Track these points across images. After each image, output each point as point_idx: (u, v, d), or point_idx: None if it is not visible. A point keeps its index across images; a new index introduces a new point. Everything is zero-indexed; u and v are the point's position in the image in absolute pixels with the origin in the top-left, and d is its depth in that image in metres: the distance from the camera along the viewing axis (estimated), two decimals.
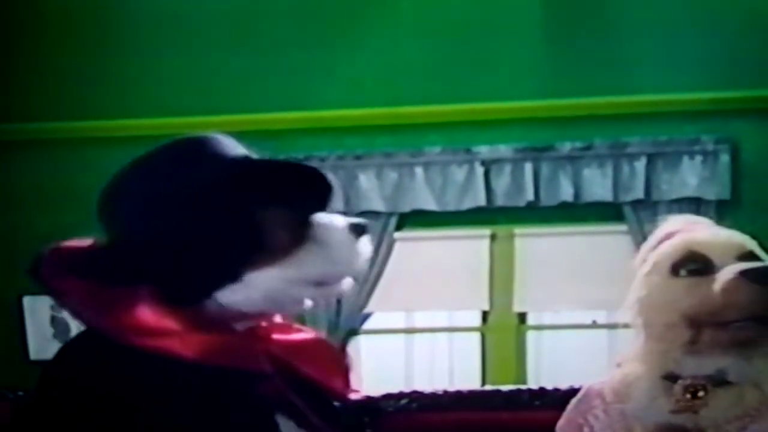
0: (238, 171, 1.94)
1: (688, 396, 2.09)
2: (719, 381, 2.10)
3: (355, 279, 2.03)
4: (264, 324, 1.97)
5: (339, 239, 1.96)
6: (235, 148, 1.99)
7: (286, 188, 1.96)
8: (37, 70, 6.38)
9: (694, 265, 2.14)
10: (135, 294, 1.83)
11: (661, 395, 2.11)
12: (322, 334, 2.13)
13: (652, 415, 2.11)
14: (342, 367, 2.03)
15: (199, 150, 1.96)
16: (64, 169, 6.17)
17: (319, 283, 1.95)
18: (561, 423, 2.28)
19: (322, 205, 2.02)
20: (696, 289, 2.11)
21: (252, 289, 1.89)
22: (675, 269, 2.16)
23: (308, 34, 6.23)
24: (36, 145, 6.24)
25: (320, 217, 1.98)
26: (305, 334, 2.04)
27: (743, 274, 2.07)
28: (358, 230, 1.98)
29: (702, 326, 2.09)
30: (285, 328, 2.01)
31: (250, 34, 6.28)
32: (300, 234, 1.94)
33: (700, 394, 2.08)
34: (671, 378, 2.13)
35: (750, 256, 2.14)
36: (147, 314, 1.81)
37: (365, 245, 2.00)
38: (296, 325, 2.05)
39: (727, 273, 2.09)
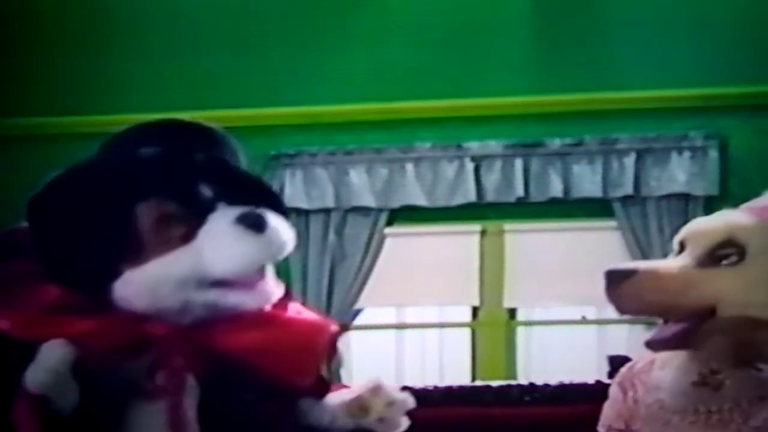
0: (125, 163, 1.91)
1: (709, 371, 2.07)
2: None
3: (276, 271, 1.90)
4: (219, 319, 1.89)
5: (217, 235, 1.86)
6: (147, 139, 1.95)
7: (179, 181, 1.89)
8: (32, 65, 6.38)
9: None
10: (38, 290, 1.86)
11: (690, 368, 2.10)
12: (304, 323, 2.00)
13: (677, 385, 2.11)
14: (308, 360, 1.94)
15: (113, 145, 1.97)
16: (58, 165, 6.16)
17: (212, 284, 1.85)
18: (613, 386, 2.25)
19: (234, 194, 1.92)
20: None
21: (135, 287, 1.84)
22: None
23: (299, 31, 6.24)
24: (30, 141, 6.24)
25: (214, 215, 1.88)
26: (269, 329, 1.93)
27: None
28: (248, 222, 1.87)
29: None
30: (246, 324, 1.91)
31: (241, 30, 6.29)
32: (187, 231, 1.88)
33: (721, 375, 2.06)
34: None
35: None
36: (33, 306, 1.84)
37: (267, 236, 1.87)
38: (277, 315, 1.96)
39: None
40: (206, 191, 1.91)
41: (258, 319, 1.93)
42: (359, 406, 1.92)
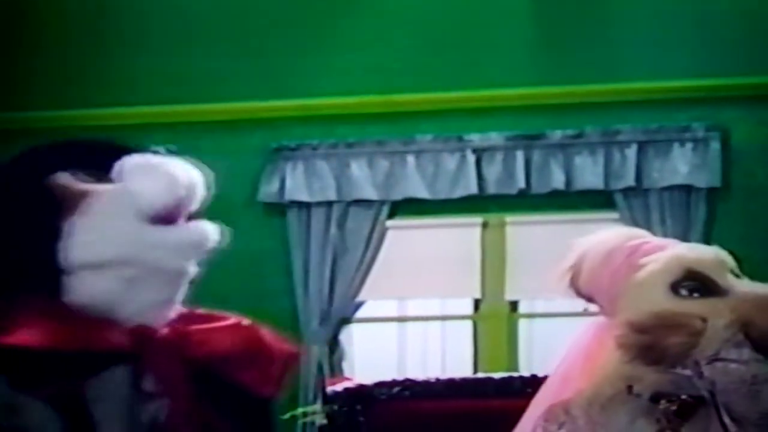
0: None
1: (671, 415, 2.08)
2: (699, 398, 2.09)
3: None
4: (182, 329, 1.98)
5: (134, 167, 1.99)
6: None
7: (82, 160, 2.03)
8: (34, 59, 6.39)
9: (694, 283, 2.14)
10: None
11: (640, 416, 2.11)
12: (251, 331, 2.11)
13: None
14: (272, 369, 2.03)
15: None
16: None
17: (155, 219, 1.95)
18: None
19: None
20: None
21: (86, 233, 1.93)
22: (675, 288, 2.16)
23: (301, 24, 6.24)
24: (32, 134, 6.22)
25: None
26: (230, 337, 2.03)
27: None
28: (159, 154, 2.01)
29: None
30: (217, 333, 2.01)
31: (242, 23, 6.29)
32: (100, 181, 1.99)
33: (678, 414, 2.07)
34: (656, 398, 2.13)
35: (731, 270, 2.15)
36: None
37: (180, 167, 2.03)
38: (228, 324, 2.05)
39: None
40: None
41: (229, 329, 2.03)
42: None
